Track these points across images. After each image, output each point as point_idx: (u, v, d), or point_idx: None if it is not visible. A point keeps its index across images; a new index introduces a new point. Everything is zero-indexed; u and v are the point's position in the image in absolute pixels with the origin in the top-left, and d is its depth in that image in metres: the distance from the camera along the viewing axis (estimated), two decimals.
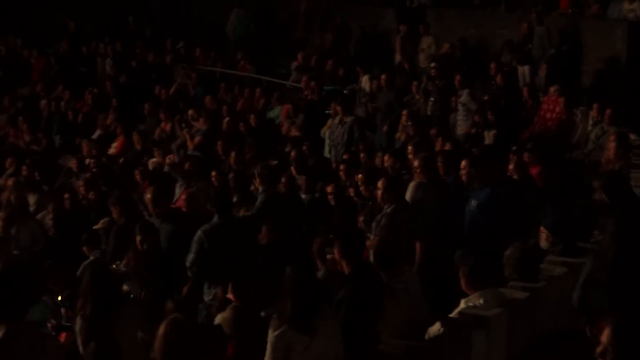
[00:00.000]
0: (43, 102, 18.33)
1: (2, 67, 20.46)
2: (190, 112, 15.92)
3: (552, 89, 14.55)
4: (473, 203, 8.76)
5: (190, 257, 8.66)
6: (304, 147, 13.01)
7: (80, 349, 7.11)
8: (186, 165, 11.86)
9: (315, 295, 6.23)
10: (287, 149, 13.37)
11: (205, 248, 8.64)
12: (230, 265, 8.42)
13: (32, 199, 11.96)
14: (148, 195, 9.27)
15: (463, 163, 9.04)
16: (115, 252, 9.08)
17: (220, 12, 21.73)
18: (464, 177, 9.02)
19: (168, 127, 15.85)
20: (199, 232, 8.72)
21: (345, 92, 14.93)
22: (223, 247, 8.62)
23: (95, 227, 9.97)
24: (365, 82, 16.82)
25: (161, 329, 5.70)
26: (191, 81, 18.74)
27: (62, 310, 8.18)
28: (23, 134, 16.86)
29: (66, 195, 11.28)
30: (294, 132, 14.90)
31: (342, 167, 11.46)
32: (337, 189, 10.29)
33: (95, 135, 16.37)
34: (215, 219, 8.88)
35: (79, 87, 18.95)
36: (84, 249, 9.78)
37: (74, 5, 22.63)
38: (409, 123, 13.26)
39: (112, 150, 15.23)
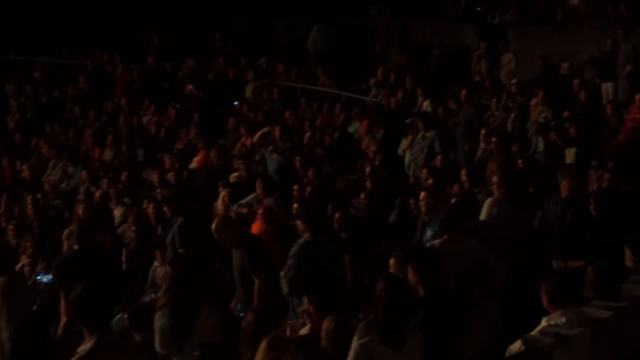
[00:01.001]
0: (122, 116, 18.61)
1: (88, 81, 20.87)
2: (267, 128, 15.95)
3: (637, 97, 14.26)
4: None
5: (290, 272, 8.53)
6: (377, 162, 12.98)
7: (157, 346, 7.13)
8: (258, 183, 11.98)
9: (405, 309, 6.18)
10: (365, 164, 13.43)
11: (302, 262, 8.52)
12: (320, 280, 8.32)
13: (118, 212, 12.21)
14: (213, 227, 9.03)
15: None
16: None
17: (301, 28, 21.91)
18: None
19: (248, 142, 15.99)
20: (295, 248, 8.65)
21: (407, 121, 14.89)
22: (315, 262, 8.52)
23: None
24: (426, 107, 16.40)
25: (263, 345, 5.80)
26: (271, 97, 18.85)
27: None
28: (107, 148, 17.17)
29: (151, 207, 11.41)
30: (374, 147, 14.89)
31: (430, 181, 11.08)
32: None
33: (176, 149, 16.61)
34: (308, 235, 8.73)
35: (162, 102, 19.27)
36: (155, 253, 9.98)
37: (158, 21, 23.06)
38: (493, 139, 13.06)
39: (194, 164, 15.44)
